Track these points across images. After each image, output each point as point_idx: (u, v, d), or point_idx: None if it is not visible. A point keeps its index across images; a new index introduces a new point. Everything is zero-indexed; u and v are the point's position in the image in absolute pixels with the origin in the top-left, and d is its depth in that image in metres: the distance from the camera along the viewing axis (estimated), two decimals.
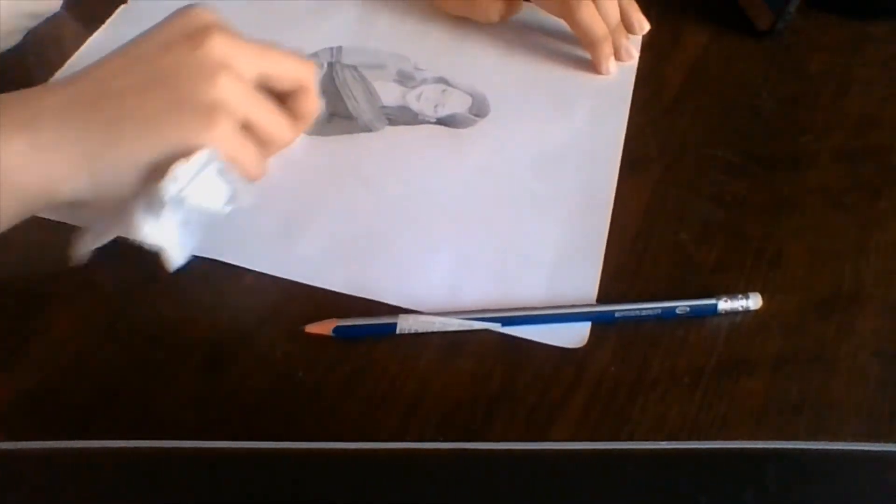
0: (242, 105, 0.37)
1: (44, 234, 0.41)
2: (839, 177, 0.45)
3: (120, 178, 0.36)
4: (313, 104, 0.40)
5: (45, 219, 0.41)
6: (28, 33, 0.48)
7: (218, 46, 0.36)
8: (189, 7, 0.37)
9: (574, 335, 0.38)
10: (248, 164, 0.38)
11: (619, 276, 0.40)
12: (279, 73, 0.39)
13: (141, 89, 0.36)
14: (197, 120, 0.36)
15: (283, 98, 0.39)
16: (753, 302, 0.39)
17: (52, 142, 0.34)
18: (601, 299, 0.39)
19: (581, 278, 0.40)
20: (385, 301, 0.39)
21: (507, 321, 0.38)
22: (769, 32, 0.51)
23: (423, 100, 0.48)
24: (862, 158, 0.46)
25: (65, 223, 0.41)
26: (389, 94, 0.48)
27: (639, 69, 0.50)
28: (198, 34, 0.36)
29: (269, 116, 0.38)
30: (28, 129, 0.34)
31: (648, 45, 0.51)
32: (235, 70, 0.36)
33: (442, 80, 0.49)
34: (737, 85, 0.49)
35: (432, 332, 0.38)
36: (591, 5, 0.48)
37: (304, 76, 0.40)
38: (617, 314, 0.38)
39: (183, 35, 0.36)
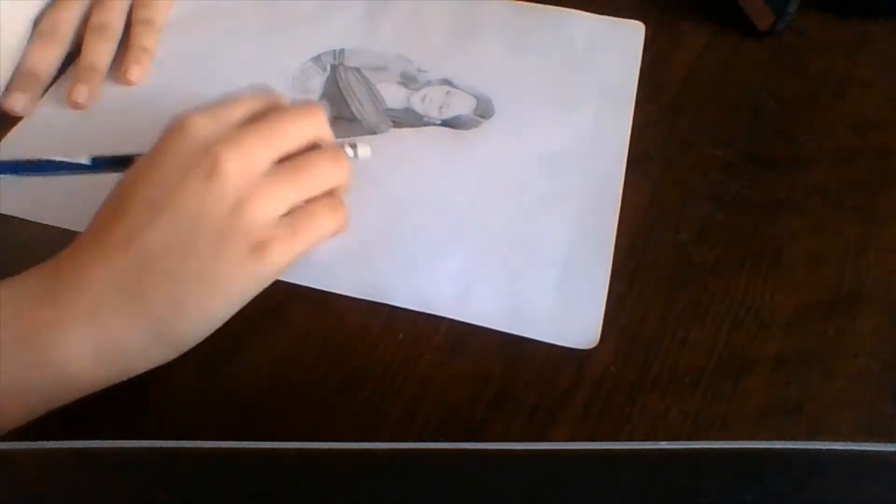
0: (283, 210, 0.35)
1: (38, 234, 0.41)
2: (839, 177, 0.45)
3: (197, 336, 0.35)
4: (331, 148, 0.38)
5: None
6: None
7: (232, 171, 0.33)
8: (183, 128, 0.35)
9: (584, 335, 0.38)
10: (323, 235, 0.38)
11: (618, 276, 0.40)
12: (294, 146, 0.36)
13: (182, 250, 0.33)
14: (252, 259, 0.34)
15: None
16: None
17: (120, 334, 0.32)
18: None
19: (590, 277, 0.40)
20: (393, 303, 0.39)
21: None
22: (769, 32, 0.51)
23: (427, 102, 0.48)
24: (862, 158, 0.46)
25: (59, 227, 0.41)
26: (393, 96, 0.48)
27: (639, 69, 0.50)
28: (206, 162, 0.33)
29: (311, 194, 0.37)
30: (93, 324, 0.32)
31: (648, 45, 0.51)
32: (261, 189, 0.34)
33: (446, 82, 0.49)
34: (737, 85, 0.49)
35: (433, 333, 0.38)
36: None
37: (314, 130, 0.37)
38: None
39: (189, 169, 0.33)
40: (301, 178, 0.36)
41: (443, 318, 0.39)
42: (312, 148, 0.37)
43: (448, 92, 0.48)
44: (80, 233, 0.41)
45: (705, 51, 0.51)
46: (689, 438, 0.35)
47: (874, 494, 0.24)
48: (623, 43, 0.51)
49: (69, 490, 0.22)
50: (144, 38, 0.48)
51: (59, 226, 0.41)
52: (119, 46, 0.49)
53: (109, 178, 0.43)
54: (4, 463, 0.23)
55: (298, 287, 0.39)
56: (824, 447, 0.25)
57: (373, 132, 0.46)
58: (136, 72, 0.47)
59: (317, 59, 0.50)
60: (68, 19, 0.48)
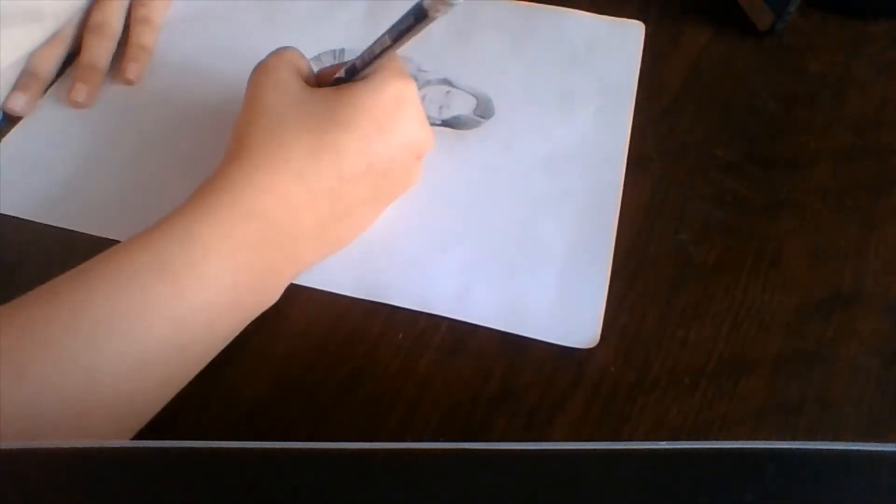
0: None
1: (38, 234, 0.41)
2: (839, 177, 0.45)
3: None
4: None
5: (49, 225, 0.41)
6: None
7: (407, 123, 0.37)
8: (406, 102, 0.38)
9: (584, 335, 0.38)
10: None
11: (618, 276, 0.40)
12: None
13: (370, 201, 0.39)
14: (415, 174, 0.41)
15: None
16: None
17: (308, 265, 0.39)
18: None
19: (590, 277, 0.40)
20: (393, 303, 0.39)
21: None
22: (769, 32, 0.51)
23: (427, 102, 0.47)
24: (862, 158, 0.46)
25: (59, 227, 0.41)
26: None
27: (639, 69, 0.50)
28: (393, 112, 0.37)
29: None
30: (295, 265, 0.38)
31: (648, 45, 0.51)
32: (415, 113, 0.38)
33: (446, 82, 0.49)
34: (737, 85, 0.49)
35: (433, 333, 0.38)
36: None
37: None
38: None
39: (378, 118, 0.36)
40: None
41: (443, 318, 0.39)
42: None
43: (448, 92, 0.48)
44: (77, 232, 0.41)
45: (705, 51, 0.51)
46: (689, 438, 0.35)
47: (874, 494, 0.24)
48: (623, 43, 0.51)
49: (69, 490, 0.22)
50: (143, 37, 0.48)
51: (59, 226, 0.41)
52: (119, 45, 0.49)
53: (107, 179, 0.43)
54: (4, 463, 0.23)
55: (298, 287, 0.39)
56: (824, 447, 0.25)
57: None
58: (134, 70, 0.47)
59: (317, 59, 0.50)
60: (68, 20, 0.48)
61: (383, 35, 0.35)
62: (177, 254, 0.32)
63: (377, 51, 0.36)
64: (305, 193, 0.35)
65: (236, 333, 0.35)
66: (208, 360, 0.34)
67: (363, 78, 0.37)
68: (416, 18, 0.32)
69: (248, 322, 0.36)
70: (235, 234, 0.33)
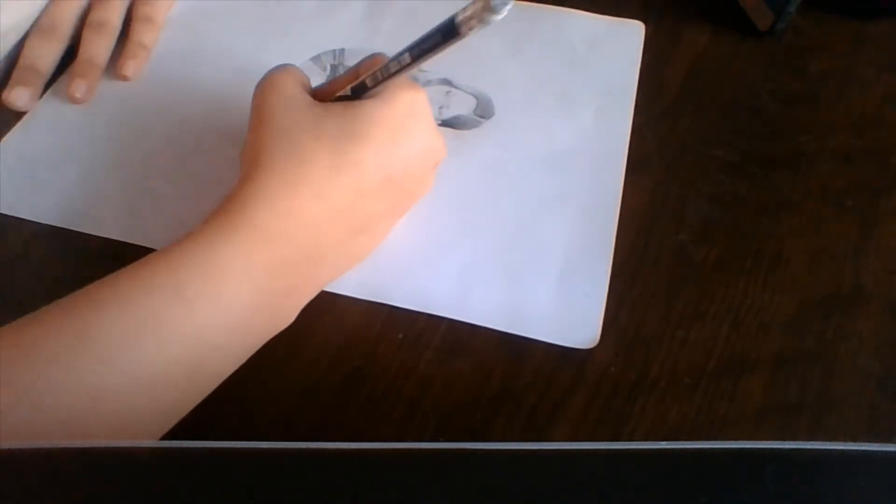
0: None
1: (38, 234, 0.41)
2: (839, 177, 0.45)
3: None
4: None
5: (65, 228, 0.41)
6: None
7: (421, 133, 0.37)
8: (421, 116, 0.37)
9: (584, 335, 0.38)
10: None
11: (618, 276, 0.40)
12: None
13: (386, 214, 0.38)
14: (429, 183, 0.40)
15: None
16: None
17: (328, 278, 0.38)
18: None
19: (590, 277, 0.40)
20: (393, 303, 0.39)
21: None
22: (769, 32, 0.51)
23: None
24: (862, 158, 0.46)
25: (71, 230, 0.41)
26: None
27: (639, 69, 0.50)
28: (407, 123, 0.36)
29: None
30: (312, 285, 0.37)
31: (648, 45, 0.51)
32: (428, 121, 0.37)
33: (446, 82, 0.49)
34: (737, 85, 0.49)
35: (433, 333, 0.38)
36: None
37: None
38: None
39: (391, 131, 0.35)
40: None
41: (443, 318, 0.39)
42: None
43: (448, 92, 0.48)
44: (80, 233, 0.41)
45: (705, 51, 0.51)
46: (689, 438, 0.35)
47: (874, 494, 0.24)
48: (623, 43, 0.51)
49: (69, 490, 0.22)
50: (143, 35, 0.49)
51: (59, 226, 0.41)
52: (119, 43, 0.49)
53: (107, 179, 0.43)
54: (6, 463, 0.23)
55: None
56: (824, 447, 0.25)
57: None
58: (131, 67, 0.47)
59: (316, 58, 0.50)
60: (68, 16, 0.48)
61: (402, 53, 0.33)
62: (194, 275, 0.32)
63: (393, 69, 0.34)
64: (325, 210, 0.34)
65: (249, 356, 0.35)
66: (219, 382, 0.34)
67: (371, 96, 0.36)
68: (445, 36, 0.29)
69: (262, 344, 0.35)
70: (256, 257, 0.33)
